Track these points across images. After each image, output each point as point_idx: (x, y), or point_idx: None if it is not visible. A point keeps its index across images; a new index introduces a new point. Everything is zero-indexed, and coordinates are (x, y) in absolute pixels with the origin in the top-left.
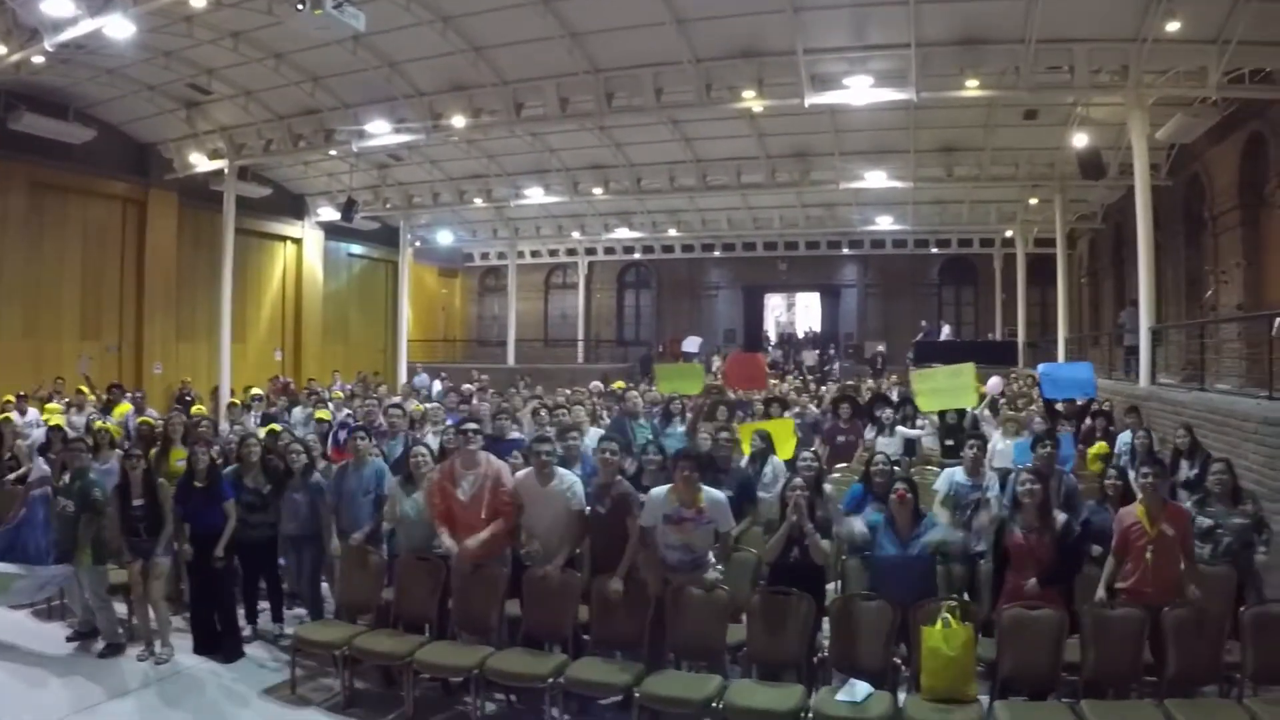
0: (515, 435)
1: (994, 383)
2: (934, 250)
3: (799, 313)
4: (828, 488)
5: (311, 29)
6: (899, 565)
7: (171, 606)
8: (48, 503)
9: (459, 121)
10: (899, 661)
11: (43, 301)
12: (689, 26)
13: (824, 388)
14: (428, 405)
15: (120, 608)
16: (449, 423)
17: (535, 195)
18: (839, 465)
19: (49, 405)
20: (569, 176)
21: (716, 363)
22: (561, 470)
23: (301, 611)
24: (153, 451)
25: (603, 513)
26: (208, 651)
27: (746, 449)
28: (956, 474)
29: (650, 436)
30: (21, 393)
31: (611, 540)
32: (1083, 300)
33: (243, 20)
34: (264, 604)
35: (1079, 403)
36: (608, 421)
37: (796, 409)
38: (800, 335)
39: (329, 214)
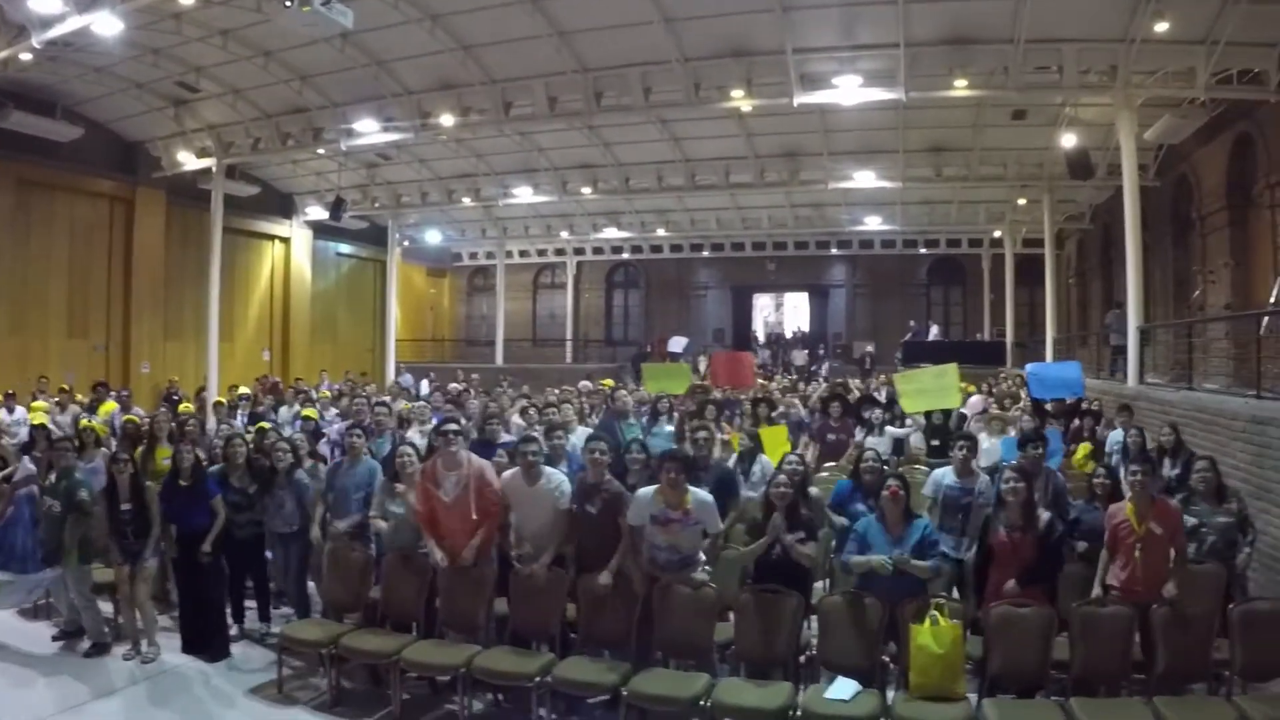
0: (506, 439)
1: (974, 402)
2: (922, 250)
3: (787, 313)
4: (814, 490)
5: (299, 26)
6: None
7: (158, 605)
8: (33, 502)
9: (447, 120)
10: (887, 659)
11: (30, 300)
12: (677, 25)
13: (809, 386)
14: (415, 404)
15: (106, 607)
16: (435, 421)
17: (524, 195)
18: (827, 464)
19: (35, 404)
20: (557, 176)
21: (703, 363)
22: (549, 469)
23: (288, 610)
24: (138, 450)
25: (593, 513)
26: (195, 651)
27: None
28: (946, 476)
29: (639, 436)
30: (10, 390)
31: (602, 540)
32: (1071, 300)
33: (231, 18)
34: (250, 603)
35: (1068, 402)
36: (596, 420)
37: (782, 408)
38: (788, 335)
39: (317, 213)
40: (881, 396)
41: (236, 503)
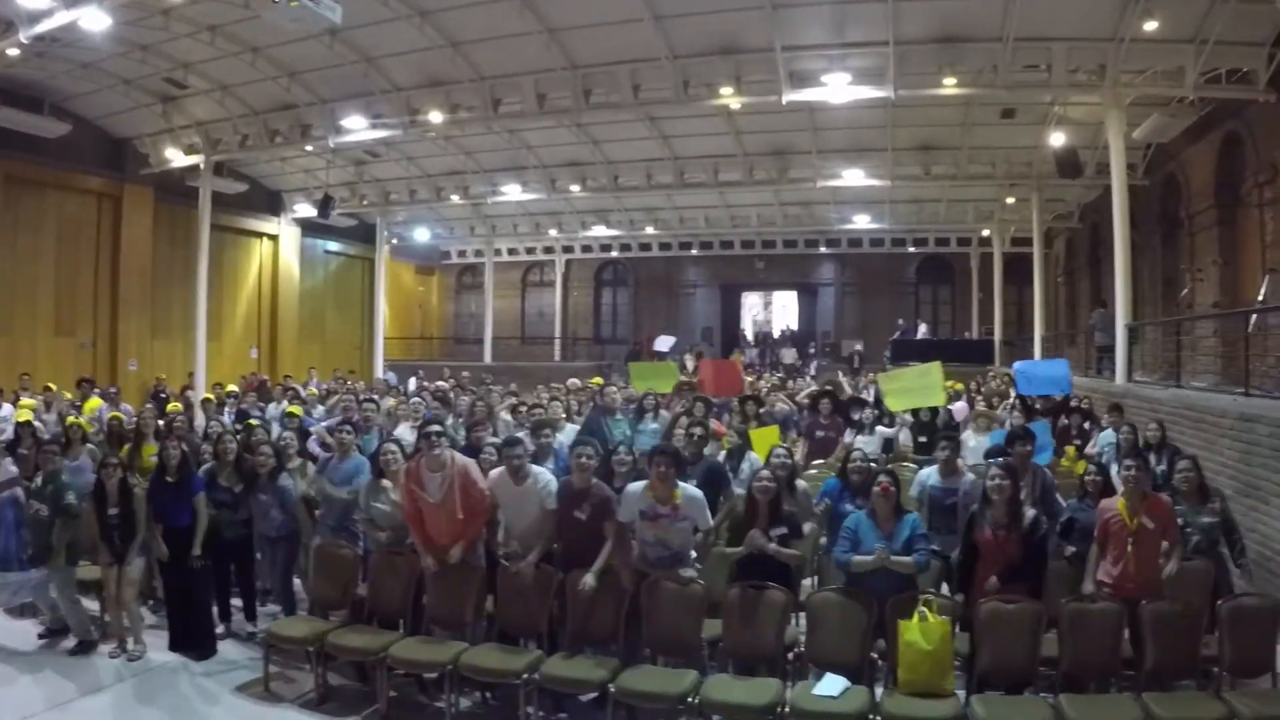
0: (491, 441)
1: (959, 408)
2: (911, 249)
3: (776, 311)
4: (801, 484)
5: (287, 21)
6: None
7: (145, 601)
8: (17, 504)
9: (436, 117)
10: (876, 656)
11: (16, 297)
12: (667, 23)
13: (794, 382)
14: (411, 400)
15: (92, 605)
16: (427, 417)
17: (512, 192)
18: (816, 461)
19: (23, 401)
20: (546, 174)
21: (690, 362)
22: (536, 469)
23: (275, 609)
24: (125, 448)
25: (582, 519)
26: (181, 648)
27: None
28: (930, 476)
29: (627, 432)
30: None
31: (591, 545)
32: (1059, 299)
33: (219, 14)
34: (237, 602)
35: (1056, 399)
36: (583, 417)
37: (766, 406)
38: (776, 334)
39: (305, 210)
40: (870, 396)
41: (223, 501)
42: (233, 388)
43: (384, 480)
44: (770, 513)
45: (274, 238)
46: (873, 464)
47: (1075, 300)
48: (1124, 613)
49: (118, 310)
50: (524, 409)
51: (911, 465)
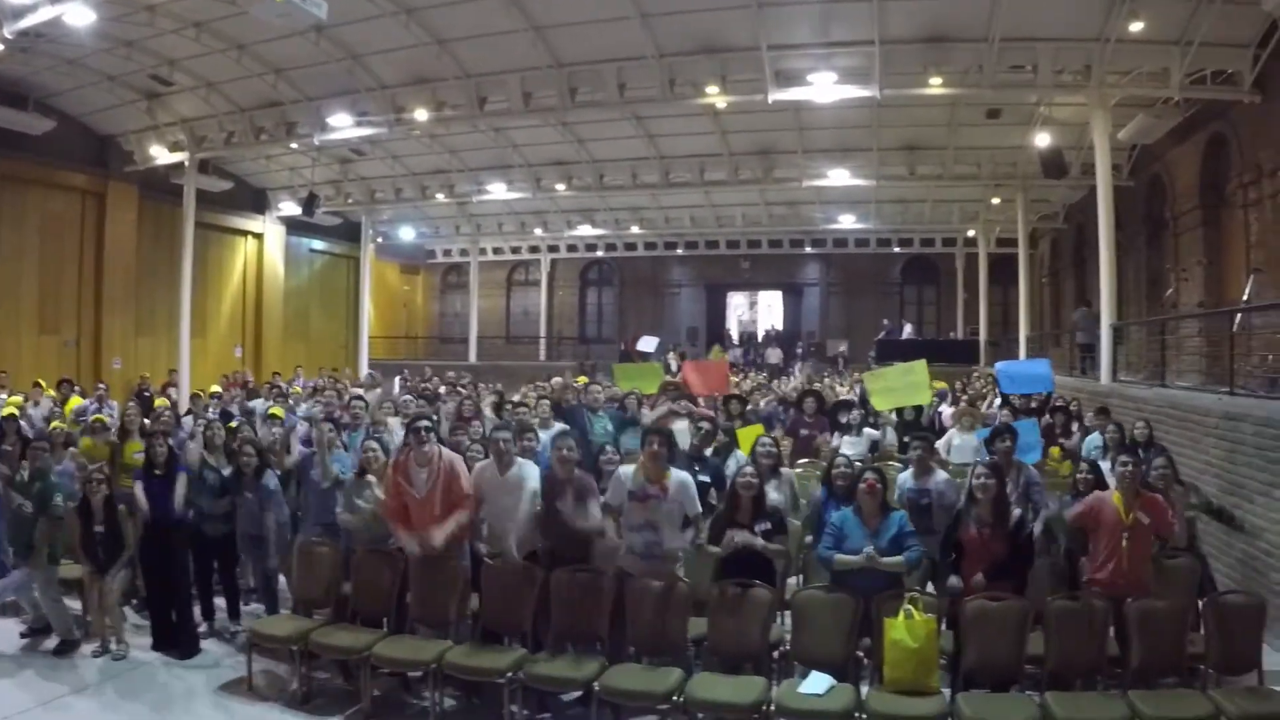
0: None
1: (949, 412)
2: (896, 249)
3: (761, 311)
4: (786, 470)
5: (273, 18)
6: None
7: (128, 600)
8: None
9: (421, 115)
10: (861, 654)
11: (0, 295)
12: (652, 21)
13: (777, 380)
14: (401, 398)
15: (74, 604)
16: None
17: (498, 191)
18: (802, 460)
19: (11, 398)
20: (531, 172)
21: (674, 362)
22: (521, 460)
23: (258, 607)
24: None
25: (566, 510)
26: (164, 648)
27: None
28: (906, 481)
29: (608, 428)
30: None
31: (574, 536)
32: (1044, 299)
33: (205, 10)
34: (220, 601)
35: (1039, 398)
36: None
37: (751, 405)
38: (761, 335)
39: (290, 209)
40: (855, 396)
41: (212, 486)
42: (215, 388)
43: (368, 476)
44: (753, 507)
45: (259, 236)
46: (858, 464)
47: (1060, 300)
48: (1110, 610)
49: (102, 308)
50: (509, 406)
51: (896, 465)
